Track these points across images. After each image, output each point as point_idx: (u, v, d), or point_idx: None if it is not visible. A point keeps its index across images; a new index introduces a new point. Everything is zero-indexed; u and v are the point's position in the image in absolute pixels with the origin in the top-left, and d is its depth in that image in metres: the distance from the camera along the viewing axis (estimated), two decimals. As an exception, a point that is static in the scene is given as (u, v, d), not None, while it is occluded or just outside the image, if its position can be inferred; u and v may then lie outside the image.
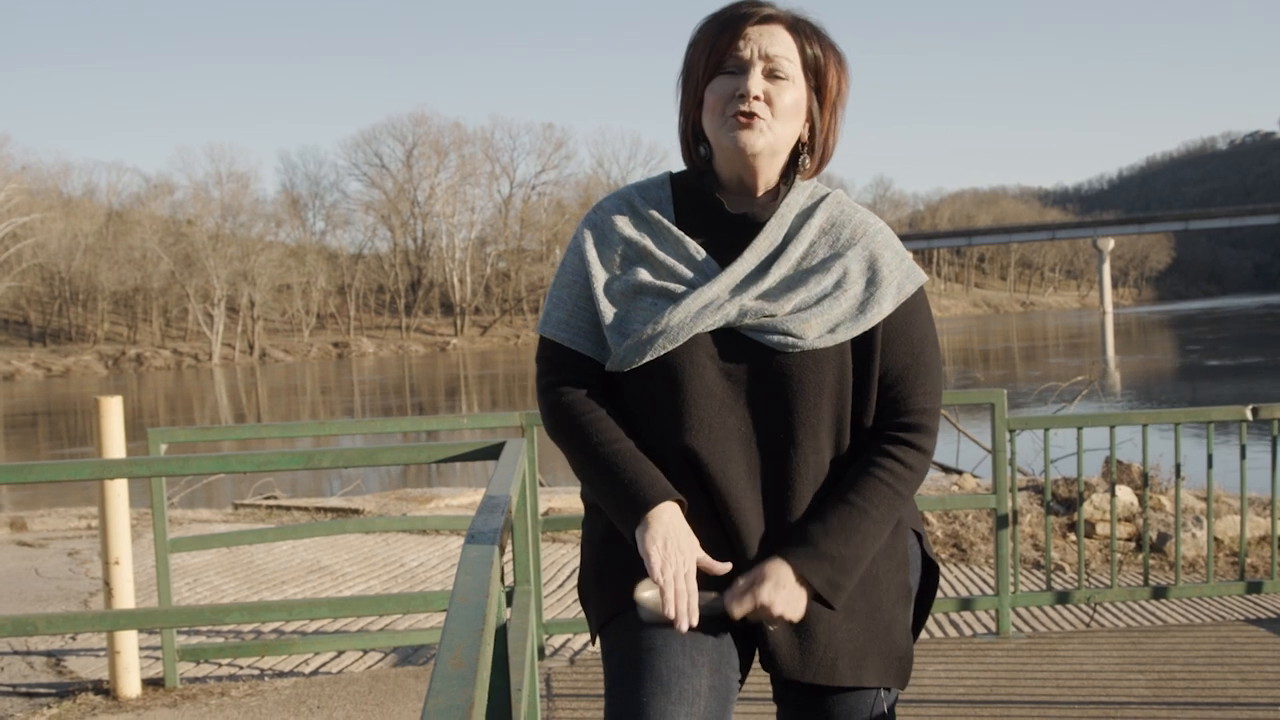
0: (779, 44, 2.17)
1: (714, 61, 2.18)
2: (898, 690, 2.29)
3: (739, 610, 2.11)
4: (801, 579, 2.12)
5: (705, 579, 2.15)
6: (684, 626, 2.07)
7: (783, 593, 2.11)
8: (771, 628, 2.17)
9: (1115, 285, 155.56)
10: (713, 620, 2.15)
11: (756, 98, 2.14)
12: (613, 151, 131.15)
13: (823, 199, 2.28)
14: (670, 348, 2.15)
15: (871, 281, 2.21)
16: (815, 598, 2.14)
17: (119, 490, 5.40)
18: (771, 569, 2.12)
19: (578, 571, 2.39)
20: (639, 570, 2.12)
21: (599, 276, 2.24)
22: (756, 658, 2.24)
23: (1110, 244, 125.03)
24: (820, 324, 2.16)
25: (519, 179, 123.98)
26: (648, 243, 2.24)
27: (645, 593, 2.10)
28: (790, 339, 2.15)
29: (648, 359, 2.16)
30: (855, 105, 2.34)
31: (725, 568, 2.13)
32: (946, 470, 11.96)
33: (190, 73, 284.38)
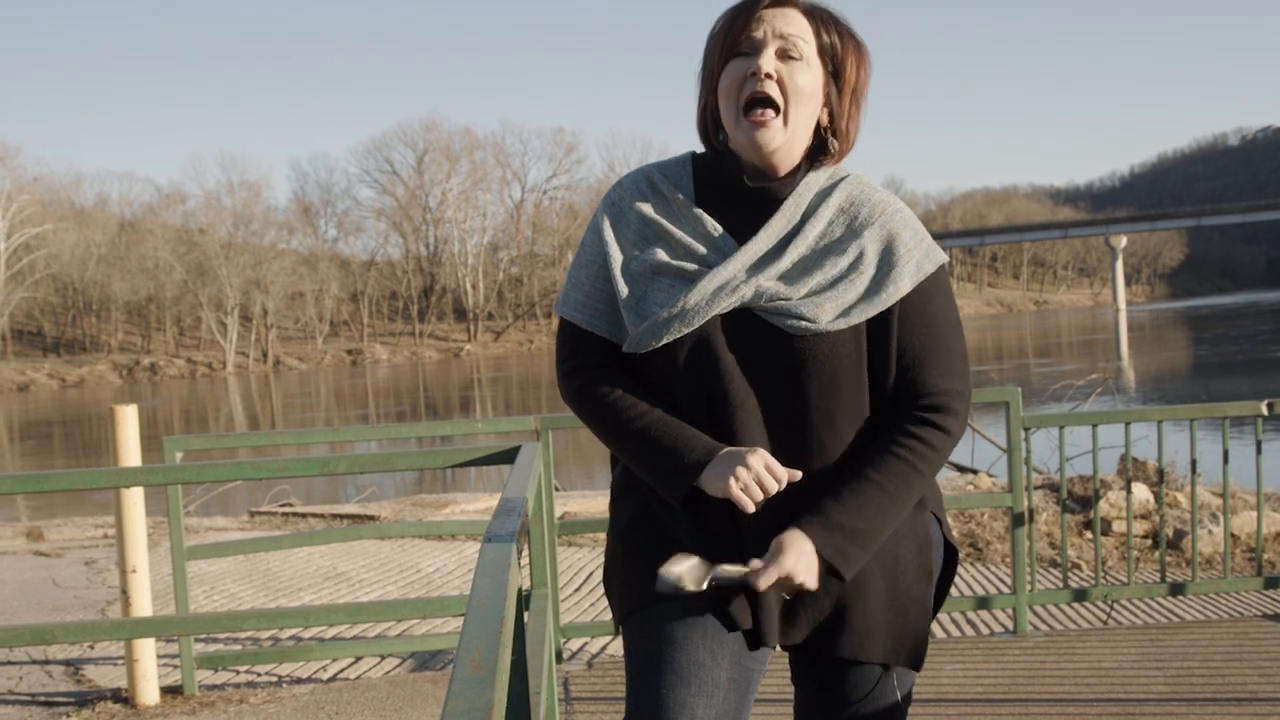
0: (793, 25, 2.18)
1: (729, 45, 2.19)
2: (913, 674, 2.31)
3: (764, 582, 2.10)
4: (815, 548, 2.12)
5: (729, 554, 2.16)
6: (781, 484, 2.11)
7: (803, 560, 2.10)
8: (787, 596, 2.18)
9: (1128, 283, 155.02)
10: (737, 591, 2.16)
11: (769, 75, 2.15)
12: (624, 155, 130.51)
13: (842, 179, 2.28)
14: (686, 330, 2.16)
15: (887, 262, 2.20)
16: (828, 570, 2.14)
17: (135, 498, 5.41)
18: (790, 539, 2.12)
19: (604, 564, 2.41)
20: (663, 561, 2.13)
21: (616, 257, 2.25)
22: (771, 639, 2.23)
23: (1123, 241, 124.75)
24: (834, 306, 2.16)
25: (530, 184, 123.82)
26: (666, 221, 2.25)
27: (674, 568, 2.10)
28: (804, 322, 2.15)
29: (664, 342, 2.17)
30: (867, 105, 2.34)
31: (796, 474, 2.14)
32: (962, 470, 11.95)
33: (200, 82, 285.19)
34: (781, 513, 2.17)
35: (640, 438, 2.19)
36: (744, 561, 2.14)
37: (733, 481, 2.09)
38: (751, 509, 2.10)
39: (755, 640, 2.20)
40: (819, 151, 2.27)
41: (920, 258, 2.22)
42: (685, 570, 2.11)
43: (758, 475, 2.09)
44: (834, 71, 2.23)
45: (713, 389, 2.18)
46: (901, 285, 2.19)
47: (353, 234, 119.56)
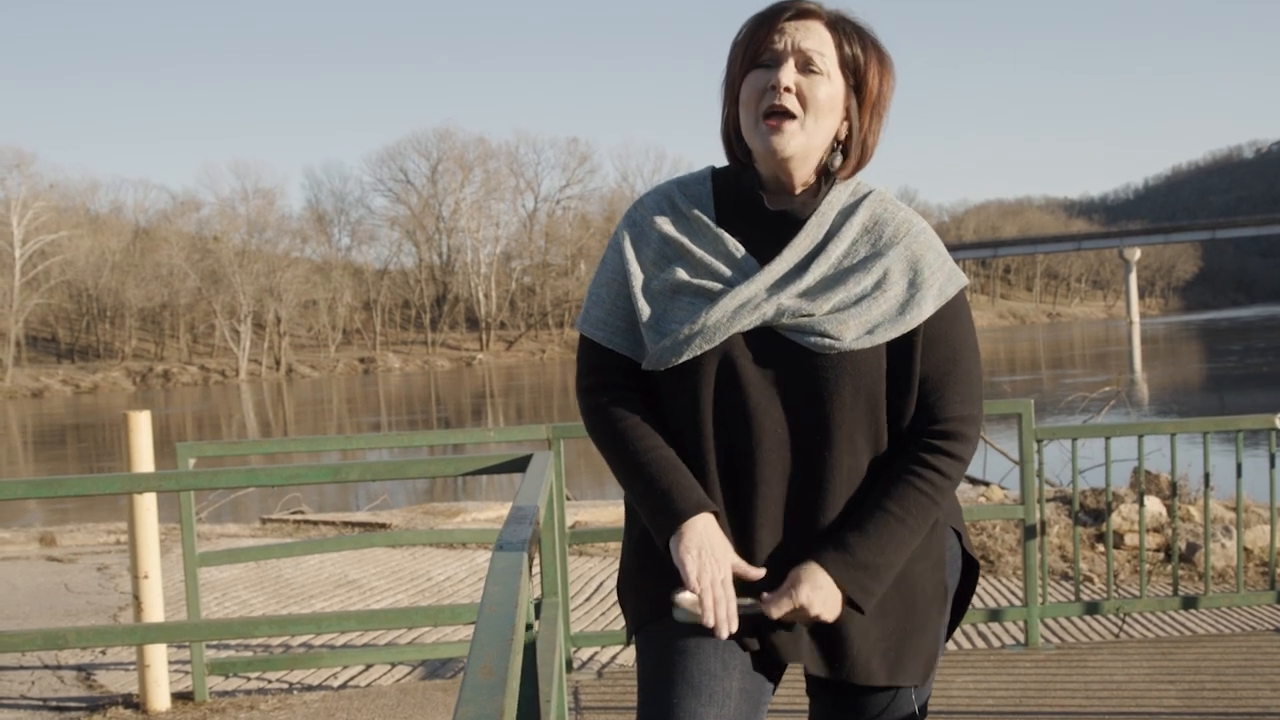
0: (814, 39, 2.17)
1: (750, 55, 2.19)
2: (929, 689, 2.30)
3: (777, 612, 2.13)
4: (836, 584, 2.13)
5: (741, 585, 2.16)
6: (724, 633, 2.09)
7: (820, 594, 2.12)
8: (806, 627, 2.18)
9: (1142, 295, 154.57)
10: (750, 620, 2.17)
11: (787, 89, 2.15)
12: (637, 165, 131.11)
13: (865, 196, 2.27)
14: (707, 347, 2.16)
15: (912, 283, 2.19)
16: (847, 602, 2.14)
17: (148, 504, 5.43)
18: (808, 572, 2.13)
19: (617, 574, 2.41)
20: (675, 574, 2.13)
21: (637, 275, 2.25)
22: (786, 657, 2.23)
23: (1137, 254, 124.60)
24: (859, 325, 2.15)
25: (544, 193, 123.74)
26: (687, 240, 2.24)
27: (682, 595, 2.11)
28: (828, 340, 2.14)
29: (684, 358, 2.17)
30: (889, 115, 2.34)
31: (759, 573, 2.15)
32: (974, 482, 11.92)
33: (215, 90, 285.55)
34: (785, 549, 2.18)
35: (639, 473, 2.19)
36: (755, 594, 2.16)
37: (693, 578, 2.10)
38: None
39: (767, 662, 2.20)
40: (836, 164, 2.26)
41: (943, 280, 2.22)
42: (696, 599, 2.12)
43: (712, 592, 2.10)
44: (855, 84, 2.22)
45: (732, 407, 2.17)
46: (925, 308, 2.18)
47: (366, 242, 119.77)
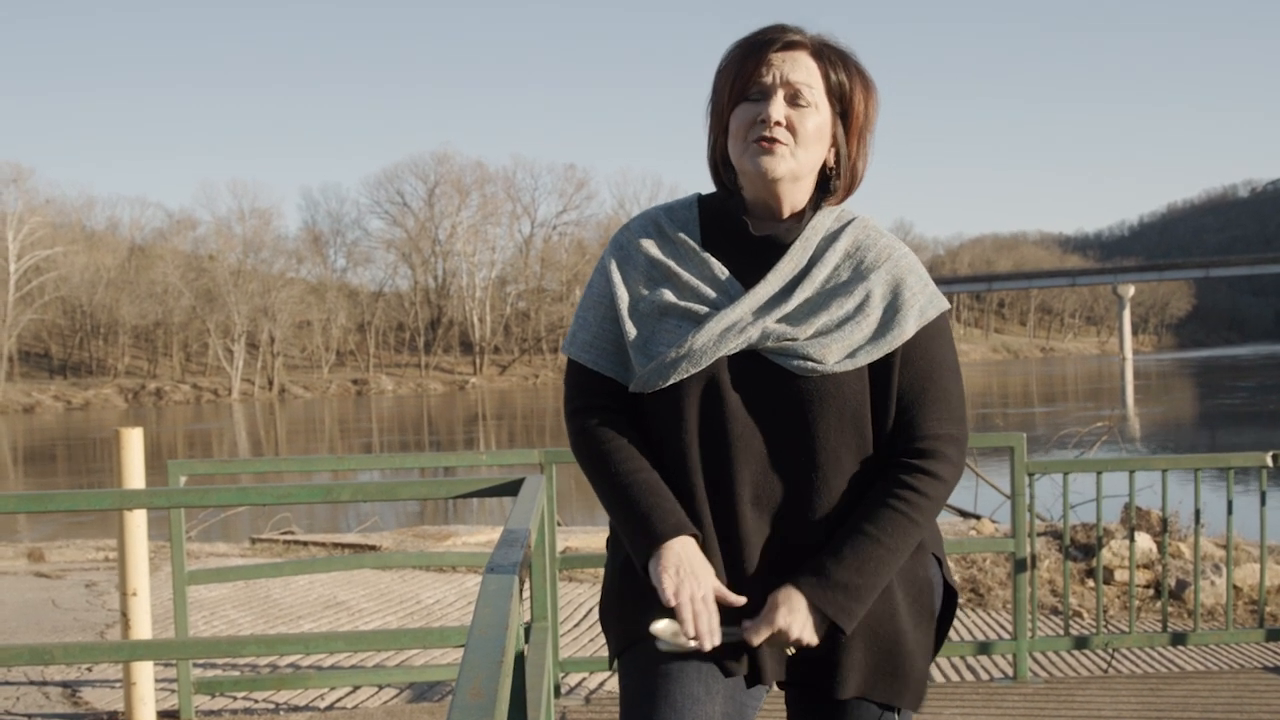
0: (802, 70, 2.20)
1: (738, 88, 2.21)
2: (911, 715, 2.31)
3: (757, 638, 2.14)
4: (814, 607, 2.13)
5: (724, 613, 2.16)
6: (707, 645, 2.10)
7: (798, 618, 2.13)
8: (790, 652, 2.19)
9: (1135, 332, 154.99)
10: (731, 648, 2.17)
11: (778, 123, 2.17)
12: (634, 192, 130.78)
13: (849, 223, 2.30)
14: (694, 371, 2.18)
15: (893, 305, 2.22)
16: (828, 624, 2.15)
17: (138, 521, 5.41)
18: (785, 596, 2.14)
19: (600, 598, 2.41)
20: (657, 599, 2.14)
21: (623, 297, 2.27)
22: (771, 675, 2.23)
23: (1131, 291, 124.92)
24: (841, 348, 2.17)
25: (540, 219, 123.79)
26: (673, 264, 2.26)
27: (659, 624, 2.12)
28: (811, 363, 2.16)
29: (671, 381, 2.19)
30: (876, 147, 2.36)
31: (740, 600, 2.15)
32: (964, 514, 11.91)
33: (214, 108, 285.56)
34: (772, 571, 2.19)
35: (621, 496, 2.20)
36: (736, 620, 2.16)
37: (670, 593, 2.11)
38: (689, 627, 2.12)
39: (753, 677, 2.21)
40: (823, 192, 2.29)
41: (924, 303, 2.25)
42: (680, 628, 2.12)
43: (691, 606, 2.11)
44: (842, 111, 2.25)
45: (718, 429, 2.19)
46: (906, 329, 2.21)
47: (362, 264, 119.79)
